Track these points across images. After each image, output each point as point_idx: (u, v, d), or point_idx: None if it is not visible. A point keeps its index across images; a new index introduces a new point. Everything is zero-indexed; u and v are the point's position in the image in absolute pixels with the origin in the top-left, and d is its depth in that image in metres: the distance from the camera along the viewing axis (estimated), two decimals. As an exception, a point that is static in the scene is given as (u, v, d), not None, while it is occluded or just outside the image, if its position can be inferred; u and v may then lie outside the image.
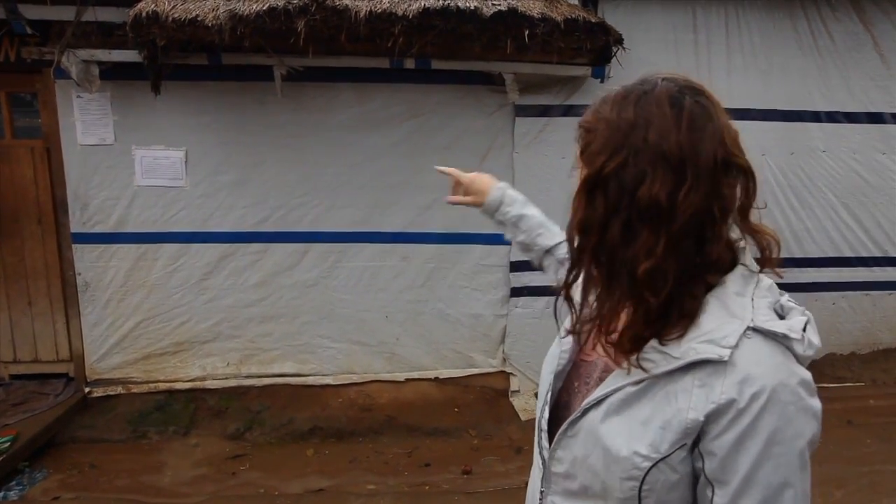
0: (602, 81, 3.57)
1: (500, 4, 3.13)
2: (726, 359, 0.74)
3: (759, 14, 4.00)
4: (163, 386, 4.01)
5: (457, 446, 3.81)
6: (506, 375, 4.24)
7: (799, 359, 0.77)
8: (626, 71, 3.67)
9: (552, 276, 1.36)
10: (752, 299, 0.79)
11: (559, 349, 0.98)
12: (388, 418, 4.00)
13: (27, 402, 3.94)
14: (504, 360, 4.24)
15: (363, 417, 4.01)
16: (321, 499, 3.33)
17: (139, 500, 3.29)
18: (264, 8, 2.98)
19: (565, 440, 0.87)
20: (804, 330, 0.77)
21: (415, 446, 3.79)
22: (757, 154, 4.14)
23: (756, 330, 0.75)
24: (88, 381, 4.02)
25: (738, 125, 3.38)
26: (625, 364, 0.82)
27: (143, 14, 2.95)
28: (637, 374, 0.80)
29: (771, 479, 0.73)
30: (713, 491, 0.76)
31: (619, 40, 3.36)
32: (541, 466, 0.95)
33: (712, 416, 0.74)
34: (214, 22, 2.97)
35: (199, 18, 2.96)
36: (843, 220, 4.31)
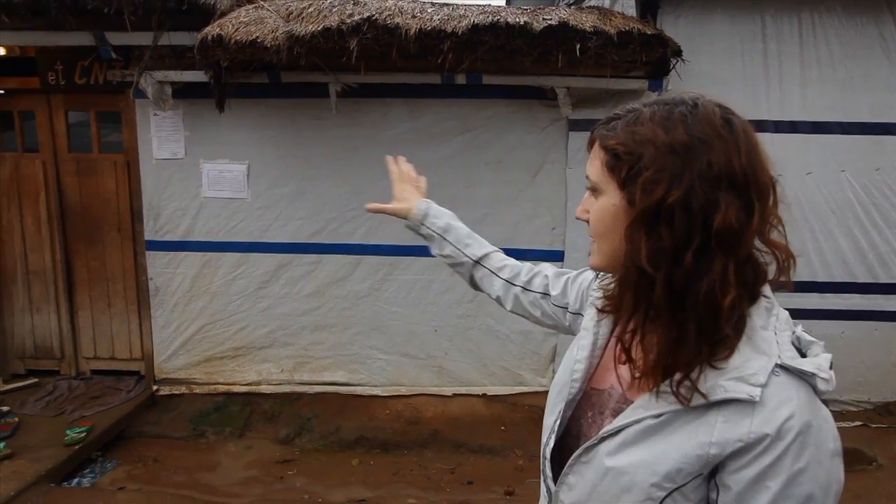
0: (659, 95, 3.44)
1: (550, 19, 3.10)
2: (757, 399, 0.72)
3: (839, 20, 3.72)
4: (222, 388, 4.21)
5: (501, 465, 3.75)
6: (555, 396, 4.13)
7: (819, 396, 0.75)
8: (687, 84, 3.52)
9: (488, 288, 1.31)
10: (776, 333, 0.77)
11: (570, 377, 0.95)
12: (434, 432, 3.99)
13: (103, 396, 4.25)
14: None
15: (409, 430, 4.02)
16: (362, 509, 3.37)
17: (193, 497, 3.44)
18: (319, 28, 3.10)
19: (578, 465, 0.86)
20: (830, 368, 0.76)
21: (459, 463, 3.76)
22: (835, 170, 3.85)
23: (784, 367, 0.74)
24: (156, 379, 4.28)
25: (814, 139, 3.16)
26: (656, 392, 0.79)
27: (209, 37, 3.15)
28: (658, 408, 0.78)
29: None
30: None
31: (678, 52, 3.23)
32: (545, 495, 0.94)
33: (736, 453, 0.73)
34: (273, 43, 3.12)
35: (258, 40, 3.12)
36: (937, 242, 3.90)
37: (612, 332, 0.96)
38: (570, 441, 0.92)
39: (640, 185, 0.76)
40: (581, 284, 1.17)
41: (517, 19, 3.06)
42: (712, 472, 0.76)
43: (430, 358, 4.19)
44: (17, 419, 3.89)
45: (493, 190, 3.95)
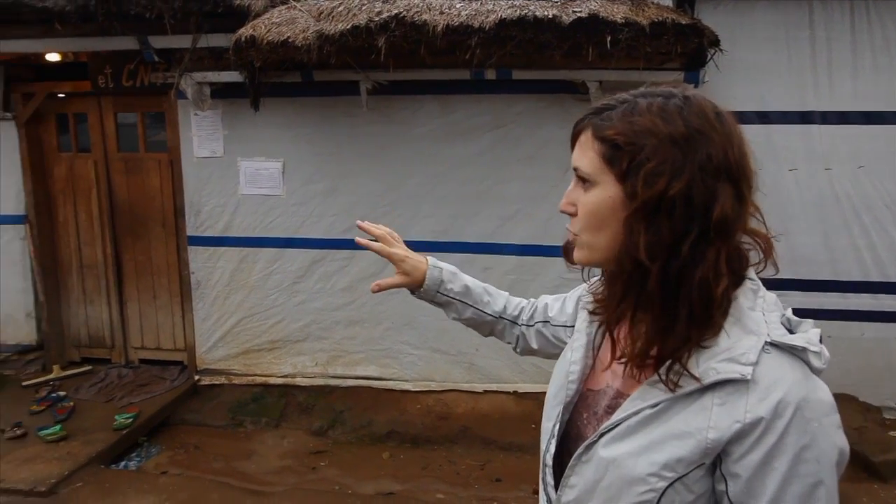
0: (696, 87, 3.31)
1: (580, 11, 3.03)
2: (749, 377, 0.72)
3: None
4: (259, 380, 4.34)
5: (531, 463, 3.70)
6: (587, 394, 4.06)
7: (815, 372, 0.75)
8: (727, 75, 3.39)
9: (509, 338, 1.26)
10: (763, 313, 0.77)
11: (566, 380, 0.94)
12: (464, 428, 3.99)
13: (149, 384, 4.46)
14: (586, 378, 4.06)
15: (439, 425, 4.04)
16: (391, 502, 3.41)
17: (230, 484, 3.57)
18: (348, 27, 3.13)
19: (579, 465, 0.85)
20: (820, 342, 0.77)
21: (488, 459, 3.75)
22: (891, 163, 3.63)
23: (774, 345, 0.74)
24: (198, 369, 4.45)
25: (866, 130, 3.02)
26: (652, 382, 0.79)
27: (242, 38, 3.24)
28: (654, 397, 0.78)
29: (799, 500, 0.71)
30: None
31: (715, 42, 3.10)
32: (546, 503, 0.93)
33: (736, 437, 0.72)
34: (304, 42, 3.18)
35: (290, 40, 3.18)
36: None
37: (605, 332, 0.95)
38: (569, 445, 0.90)
39: (643, 177, 0.75)
40: (577, 295, 1.17)
41: (545, 13, 3.01)
42: (715, 464, 0.74)
43: (461, 354, 4.19)
44: (72, 404, 4.14)
45: (525, 186, 3.91)
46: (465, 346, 4.17)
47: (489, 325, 1.26)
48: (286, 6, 3.48)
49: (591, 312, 0.96)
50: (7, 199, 4.50)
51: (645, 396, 0.79)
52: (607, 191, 0.80)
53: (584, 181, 0.83)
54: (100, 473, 3.56)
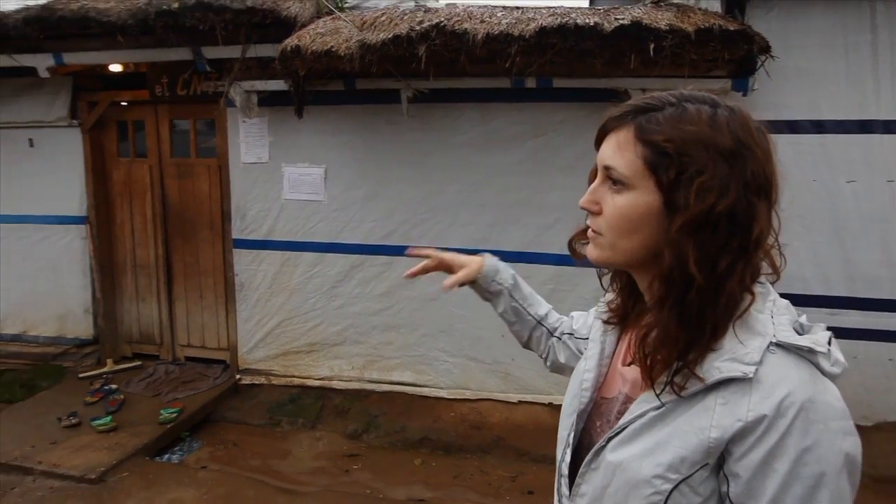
0: (745, 95, 3.19)
1: (623, 18, 2.98)
2: (751, 376, 0.71)
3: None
4: (297, 381, 4.42)
5: (564, 478, 3.64)
6: (625, 410, 3.96)
7: (826, 376, 0.74)
8: (778, 82, 3.25)
9: (543, 350, 1.28)
10: (772, 316, 0.76)
11: (579, 388, 0.95)
12: (497, 438, 3.96)
13: (193, 381, 4.62)
14: (624, 393, 3.96)
15: (472, 434, 4.01)
16: (421, 509, 3.41)
17: (265, 482, 3.65)
18: (389, 36, 3.18)
19: (589, 473, 0.85)
20: (829, 344, 0.75)
21: (520, 471, 3.70)
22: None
23: (779, 345, 0.73)
24: (239, 369, 4.58)
25: None
26: (657, 388, 0.79)
27: (289, 48, 3.33)
28: (658, 400, 0.78)
29: (800, 502, 0.69)
30: None
31: (765, 49, 2.98)
32: None
33: (738, 436, 0.71)
34: (346, 52, 3.25)
35: (333, 49, 3.26)
36: None
37: (618, 339, 0.96)
38: (582, 454, 0.89)
39: (696, 190, 0.73)
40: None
41: (587, 20, 2.97)
42: (719, 464, 0.74)
43: (496, 363, 4.16)
44: (122, 396, 4.33)
45: (564, 195, 3.84)
46: (501, 356, 4.14)
47: (529, 329, 1.29)
48: (331, 17, 3.56)
49: (606, 322, 0.97)
50: (71, 201, 4.77)
51: (650, 399, 0.79)
52: (644, 197, 0.78)
53: (616, 182, 0.80)
54: (145, 465, 3.71)
